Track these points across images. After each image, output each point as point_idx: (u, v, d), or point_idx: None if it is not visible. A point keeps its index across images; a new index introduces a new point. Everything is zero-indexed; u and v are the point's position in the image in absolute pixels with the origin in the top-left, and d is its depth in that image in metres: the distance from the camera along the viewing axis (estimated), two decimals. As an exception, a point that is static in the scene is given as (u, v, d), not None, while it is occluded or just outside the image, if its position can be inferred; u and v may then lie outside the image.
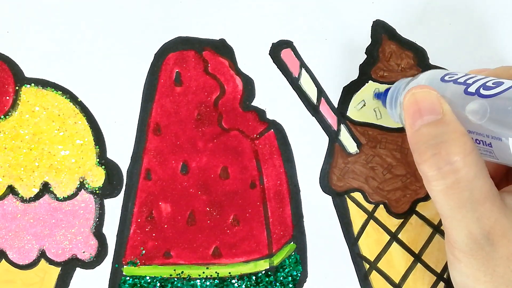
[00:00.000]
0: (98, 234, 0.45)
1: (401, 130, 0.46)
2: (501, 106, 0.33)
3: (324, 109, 0.46)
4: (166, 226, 0.45)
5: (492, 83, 0.35)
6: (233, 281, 0.45)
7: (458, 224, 0.35)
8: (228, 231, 0.45)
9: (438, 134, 0.34)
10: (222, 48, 0.46)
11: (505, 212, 0.35)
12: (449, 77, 0.37)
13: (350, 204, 0.46)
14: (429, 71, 0.39)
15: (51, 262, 0.45)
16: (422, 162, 0.35)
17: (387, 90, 0.42)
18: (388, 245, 0.46)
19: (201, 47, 0.45)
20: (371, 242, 0.46)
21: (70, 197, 0.45)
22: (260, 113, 0.46)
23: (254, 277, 0.45)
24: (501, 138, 0.33)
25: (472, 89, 0.35)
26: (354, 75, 0.46)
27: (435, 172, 0.34)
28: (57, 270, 0.45)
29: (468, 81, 0.36)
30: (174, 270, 0.45)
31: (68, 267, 0.45)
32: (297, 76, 0.46)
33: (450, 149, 0.34)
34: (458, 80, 0.36)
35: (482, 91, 0.35)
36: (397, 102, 0.41)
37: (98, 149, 0.45)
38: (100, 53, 0.45)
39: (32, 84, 0.45)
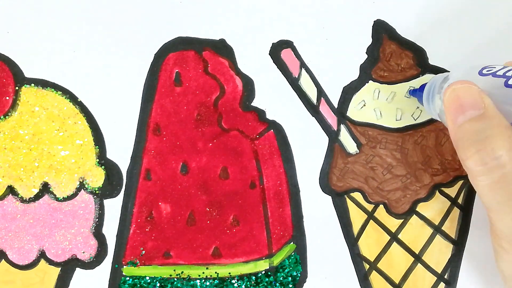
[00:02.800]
0: (98, 234, 0.45)
1: (401, 130, 0.46)
2: None
3: (324, 109, 0.46)
4: (166, 226, 0.45)
5: None
6: (233, 281, 0.45)
7: (505, 216, 0.35)
8: (228, 231, 0.45)
9: (482, 129, 0.34)
10: (222, 48, 0.46)
11: None
12: (487, 71, 0.37)
13: (350, 204, 0.46)
14: (465, 65, 0.39)
15: (51, 262, 0.45)
16: (466, 158, 0.35)
17: (423, 86, 0.42)
18: (388, 245, 0.46)
19: (201, 47, 0.45)
20: (371, 242, 0.46)
21: (70, 198, 0.45)
22: (260, 113, 0.46)
23: (254, 277, 0.45)
24: None
25: None
26: (355, 75, 0.46)
27: (481, 168, 0.34)
28: (57, 270, 0.45)
29: (507, 74, 0.36)
30: (174, 270, 0.45)
31: (68, 267, 0.45)
32: (297, 76, 0.46)
33: (495, 144, 0.33)
34: (497, 73, 0.36)
35: None
36: (434, 98, 0.40)
37: (98, 149, 0.45)
38: (100, 53, 0.45)
39: (32, 84, 0.45)
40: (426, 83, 0.42)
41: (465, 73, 0.38)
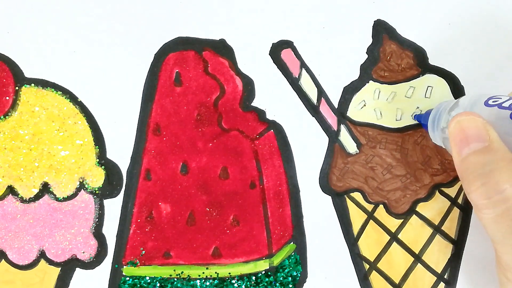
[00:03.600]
0: (98, 234, 0.45)
1: (401, 130, 0.46)
2: None
3: (324, 109, 0.46)
4: (166, 226, 0.45)
5: None
6: (233, 281, 0.45)
7: (511, 248, 0.35)
8: (228, 231, 0.45)
9: (486, 162, 0.34)
10: (222, 48, 0.45)
11: None
12: (493, 101, 0.37)
13: (350, 204, 0.46)
14: (471, 94, 0.39)
15: (51, 262, 0.45)
16: (471, 191, 0.34)
17: (428, 112, 0.42)
18: (388, 245, 0.46)
19: (201, 47, 0.45)
20: (371, 242, 0.46)
21: (69, 198, 0.45)
22: (260, 114, 0.46)
23: (254, 277, 0.45)
24: None
25: None
26: (355, 75, 0.46)
27: (486, 201, 0.34)
28: (57, 270, 0.45)
29: None
30: (174, 270, 0.45)
31: (68, 267, 0.45)
32: (297, 76, 0.46)
33: (499, 178, 0.33)
34: (503, 105, 0.36)
35: None
36: (439, 125, 0.40)
37: (98, 149, 0.45)
38: (100, 53, 0.45)
39: (32, 84, 0.45)
40: (432, 110, 0.42)
41: (470, 104, 0.38)
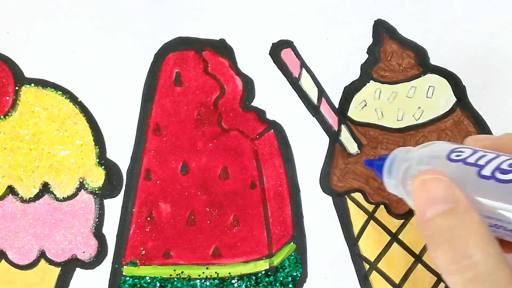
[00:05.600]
0: (98, 234, 0.45)
1: (402, 130, 0.45)
2: None
3: (324, 109, 0.46)
4: (166, 226, 0.45)
5: (508, 165, 0.32)
6: (233, 281, 0.45)
7: None
8: (228, 231, 0.45)
9: (453, 226, 0.32)
10: (222, 48, 0.45)
11: None
12: (457, 156, 0.35)
13: (351, 204, 0.46)
14: (432, 145, 0.37)
15: (51, 262, 0.45)
16: (438, 256, 0.33)
17: (381, 158, 0.39)
18: (388, 245, 0.46)
19: (201, 47, 0.45)
20: (371, 243, 0.46)
21: (70, 198, 0.45)
22: (260, 114, 0.45)
23: (254, 277, 0.45)
24: None
25: (486, 172, 0.33)
26: (355, 75, 0.46)
27: (453, 267, 0.32)
28: (57, 270, 0.45)
29: (479, 162, 0.33)
30: (174, 270, 0.45)
31: (68, 267, 0.45)
32: (297, 76, 0.46)
33: (467, 242, 0.32)
34: (468, 160, 0.34)
35: (498, 175, 0.32)
36: (395, 175, 0.38)
37: (98, 149, 0.45)
38: (100, 53, 0.45)
39: (32, 84, 0.45)
40: (386, 156, 0.39)
41: (432, 157, 0.36)
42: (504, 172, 0.32)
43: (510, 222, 0.32)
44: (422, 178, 0.34)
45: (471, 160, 0.34)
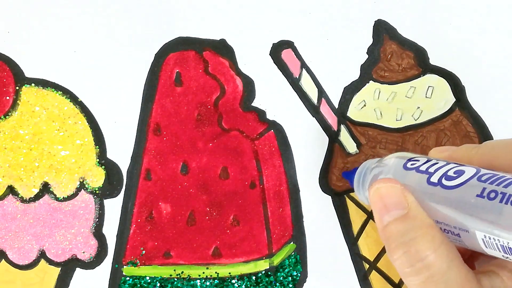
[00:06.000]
0: (98, 234, 0.45)
1: (401, 130, 0.46)
2: (464, 198, 0.33)
3: (324, 109, 0.46)
4: (166, 226, 0.45)
5: (454, 172, 0.34)
6: (233, 281, 0.45)
7: None
8: (228, 231, 0.45)
9: (406, 231, 0.34)
10: (223, 49, 0.45)
11: None
12: (412, 164, 0.36)
13: (350, 204, 0.46)
14: (395, 154, 0.39)
15: (51, 262, 0.45)
16: (395, 260, 0.34)
17: (355, 170, 0.41)
18: (387, 245, 0.46)
19: (201, 47, 0.45)
20: (370, 242, 0.46)
21: (70, 197, 0.45)
22: (260, 114, 0.46)
23: (254, 277, 0.45)
24: (468, 230, 0.33)
25: (434, 179, 0.35)
26: (355, 75, 0.46)
27: (409, 269, 0.34)
28: (57, 270, 0.45)
29: (430, 169, 0.35)
30: (174, 270, 0.45)
31: (68, 267, 0.45)
32: (297, 77, 0.46)
33: (420, 245, 0.33)
34: (420, 168, 0.36)
35: (444, 182, 0.34)
36: (364, 185, 0.40)
37: (98, 149, 0.45)
38: (100, 53, 0.45)
39: (33, 84, 0.45)
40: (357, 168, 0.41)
41: (392, 167, 0.38)
42: (450, 178, 0.34)
43: (455, 227, 0.33)
44: (377, 187, 0.36)
45: (423, 168, 0.36)
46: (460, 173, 0.34)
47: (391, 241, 0.35)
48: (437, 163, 0.36)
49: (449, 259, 0.33)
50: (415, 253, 0.33)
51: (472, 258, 0.39)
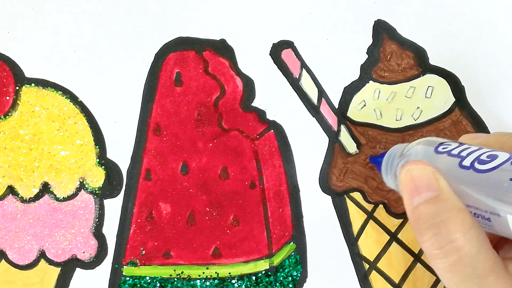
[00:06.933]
0: (98, 234, 0.45)
1: (401, 130, 0.46)
2: (497, 181, 0.33)
3: (324, 109, 0.46)
4: (166, 226, 0.45)
5: (487, 156, 0.34)
6: (233, 281, 0.45)
7: None
8: (228, 231, 0.45)
9: (437, 212, 0.34)
10: (223, 49, 0.45)
11: (510, 282, 0.35)
12: (443, 148, 0.37)
13: (350, 204, 0.46)
14: (423, 140, 0.39)
15: (51, 262, 0.45)
16: (423, 241, 0.35)
17: (383, 155, 0.42)
18: (387, 245, 0.46)
19: (201, 48, 0.45)
20: (370, 242, 0.46)
21: (70, 198, 0.45)
22: (260, 114, 0.46)
23: (254, 277, 0.45)
24: (499, 214, 0.33)
25: (467, 162, 0.35)
26: (355, 75, 0.46)
27: (438, 251, 0.34)
28: (57, 270, 0.45)
29: (462, 153, 0.35)
30: (174, 270, 0.45)
31: (68, 267, 0.45)
32: (297, 77, 0.46)
33: (450, 227, 0.33)
34: (452, 152, 0.36)
35: (477, 165, 0.34)
36: (392, 170, 0.40)
37: (98, 149, 0.45)
38: (100, 53, 0.45)
39: (33, 84, 0.45)
40: (386, 152, 0.41)
41: (422, 151, 0.38)
42: (482, 162, 0.34)
43: (486, 211, 0.33)
44: (408, 168, 0.36)
45: (455, 152, 0.36)
46: (493, 158, 0.34)
47: (421, 223, 0.34)
48: (470, 147, 0.36)
49: (479, 243, 0.33)
50: (445, 235, 0.33)
51: (497, 246, 0.39)
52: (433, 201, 0.34)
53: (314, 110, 0.46)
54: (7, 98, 0.45)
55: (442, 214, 0.34)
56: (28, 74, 0.45)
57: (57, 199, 0.45)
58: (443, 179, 0.35)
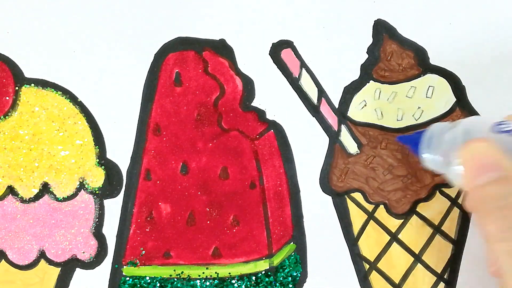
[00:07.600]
0: (98, 234, 0.45)
1: (402, 130, 0.45)
2: None
3: (324, 109, 0.46)
4: (166, 226, 0.45)
5: None
6: (233, 281, 0.45)
7: None
8: (228, 231, 0.45)
9: (505, 194, 0.33)
10: (222, 48, 0.45)
11: None
12: (501, 128, 0.35)
13: (350, 204, 0.46)
14: (471, 118, 0.38)
15: (50, 262, 0.45)
16: (488, 223, 0.33)
17: (418, 133, 0.40)
18: (388, 245, 0.46)
19: (201, 47, 0.45)
20: (371, 243, 0.46)
21: (69, 198, 0.45)
22: (260, 114, 0.45)
23: (254, 277, 0.45)
24: None
25: None
26: (355, 75, 0.46)
27: (502, 235, 0.33)
28: (57, 270, 0.45)
29: None
30: (174, 270, 0.45)
31: (68, 267, 0.45)
32: (297, 76, 0.46)
33: None
34: None
35: None
36: (437, 149, 0.39)
37: (98, 149, 0.45)
38: (100, 53, 0.45)
39: (32, 84, 0.45)
40: (421, 131, 0.40)
41: (476, 128, 0.37)
42: None
43: None
44: (473, 146, 0.35)
45: None
46: None
47: (486, 203, 0.33)
48: None
49: None
50: None
51: None
52: (501, 182, 0.33)
53: (314, 110, 0.46)
54: (7, 98, 0.45)
55: (511, 197, 0.33)
56: (27, 74, 0.45)
57: (57, 199, 0.45)
58: (509, 160, 0.34)
